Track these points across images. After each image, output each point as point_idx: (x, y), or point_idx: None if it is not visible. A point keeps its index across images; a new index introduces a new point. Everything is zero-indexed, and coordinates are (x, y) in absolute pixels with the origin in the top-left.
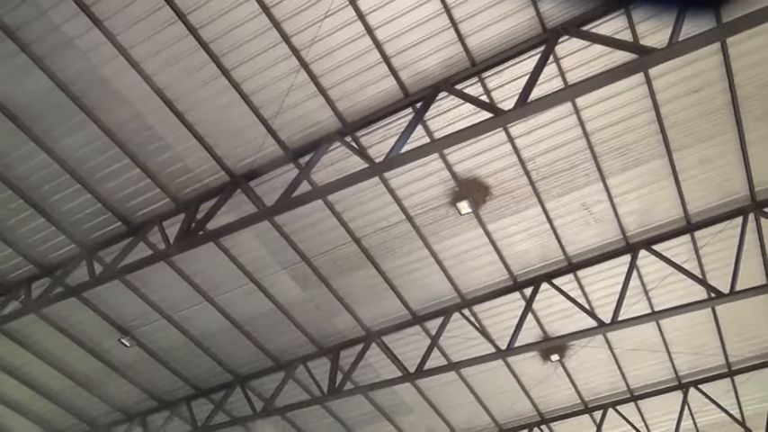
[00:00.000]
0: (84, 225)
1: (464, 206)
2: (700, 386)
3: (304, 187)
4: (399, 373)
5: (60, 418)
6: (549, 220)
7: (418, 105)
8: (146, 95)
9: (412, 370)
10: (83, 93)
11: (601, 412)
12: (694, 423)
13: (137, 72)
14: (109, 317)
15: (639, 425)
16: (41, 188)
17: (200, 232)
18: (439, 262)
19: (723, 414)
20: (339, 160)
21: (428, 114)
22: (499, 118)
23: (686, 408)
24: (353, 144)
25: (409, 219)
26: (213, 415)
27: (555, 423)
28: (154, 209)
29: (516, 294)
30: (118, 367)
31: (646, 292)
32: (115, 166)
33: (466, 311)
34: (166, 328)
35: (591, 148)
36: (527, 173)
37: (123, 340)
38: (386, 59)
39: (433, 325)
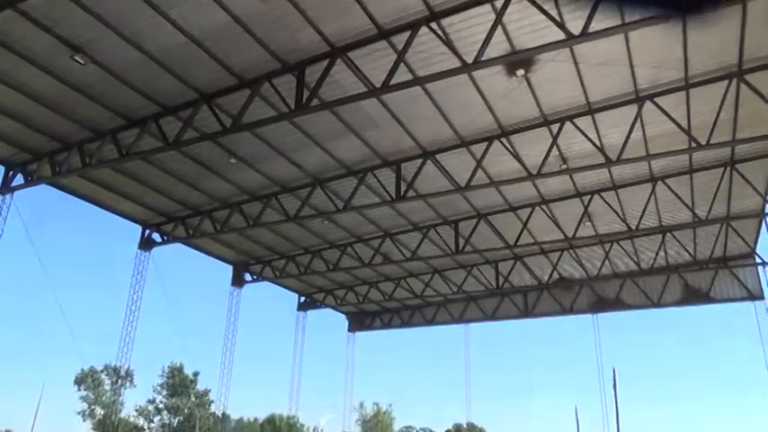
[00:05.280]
0: None
1: None
2: (655, 99)
3: None
4: (365, 89)
5: (30, 138)
6: None
7: None
8: None
9: (378, 86)
10: None
11: (558, 125)
12: (644, 133)
13: None
14: (55, 32)
15: (593, 136)
16: None
17: None
18: None
19: (671, 126)
20: None
21: None
22: None
23: (639, 120)
24: None
25: None
26: (183, 132)
27: (514, 135)
28: None
29: (487, 6)
30: (78, 86)
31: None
32: None
33: (434, 25)
34: (120, 45)
35: None
36: None
37: (76, 57)
38: None
39: (399, 40)
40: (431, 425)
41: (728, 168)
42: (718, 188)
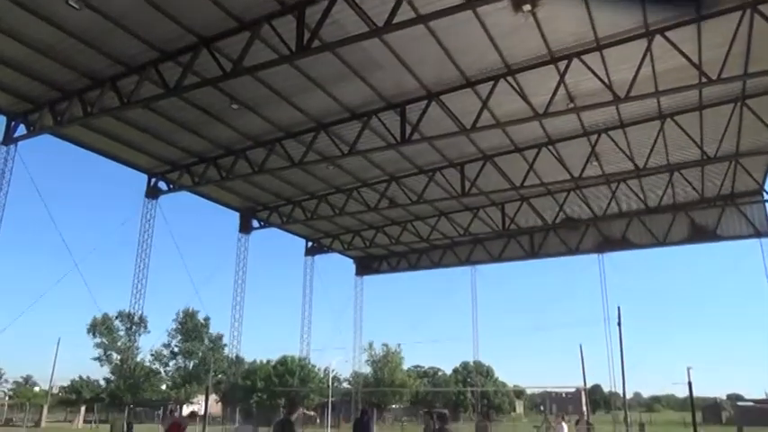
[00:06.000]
0: None
1: None
2: (666, 33)
3: None
4: (367, 29)
5: (29, 86)
6: None
7: None
8: None
9: (380, 25)
10: None
11: (565, 62)
12: (653, 69)
13: None
14: None
15: (601, 72)
16: None
17: None
18: None
19: (681, 60)
20: None
21: None
22: None
23: (648, 55)
24: None
25: None
26: (183, 77)
27: (520, 74)
28: None
29: None
30: (74, 32)
31: None
32: None
33: None
34: None
35: None
36: None
37: (71, 2)
38: None
39: None
40: (439, 364)
41: (739, 104)
42: (727, 125)
